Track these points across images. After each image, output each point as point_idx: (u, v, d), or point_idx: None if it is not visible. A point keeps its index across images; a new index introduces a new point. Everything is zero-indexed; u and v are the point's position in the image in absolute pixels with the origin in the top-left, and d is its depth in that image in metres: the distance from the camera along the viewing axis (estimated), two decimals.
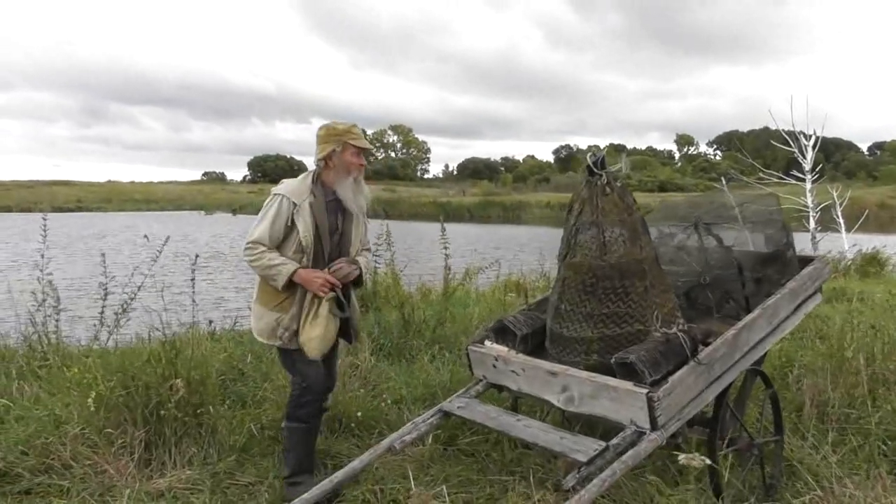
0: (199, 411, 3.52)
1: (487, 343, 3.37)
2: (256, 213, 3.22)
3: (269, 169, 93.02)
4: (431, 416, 3.22)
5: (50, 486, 3.25)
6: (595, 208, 3.03)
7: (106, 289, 4.63)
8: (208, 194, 69.36)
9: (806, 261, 3.68)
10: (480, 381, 3.38)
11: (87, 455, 3.34)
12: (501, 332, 3.38)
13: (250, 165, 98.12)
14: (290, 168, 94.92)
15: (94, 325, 4.49)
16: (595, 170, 3.03)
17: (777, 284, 3.41)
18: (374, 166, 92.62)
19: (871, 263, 12.79)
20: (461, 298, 7.39)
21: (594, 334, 3.00)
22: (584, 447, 2.69)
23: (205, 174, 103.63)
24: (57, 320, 4.52)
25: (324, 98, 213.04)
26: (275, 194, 3.23)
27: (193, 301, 4.29)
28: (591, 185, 3.05)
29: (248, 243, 3.20)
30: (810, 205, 15.12)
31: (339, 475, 2.97)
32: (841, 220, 15.19)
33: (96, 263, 5.10)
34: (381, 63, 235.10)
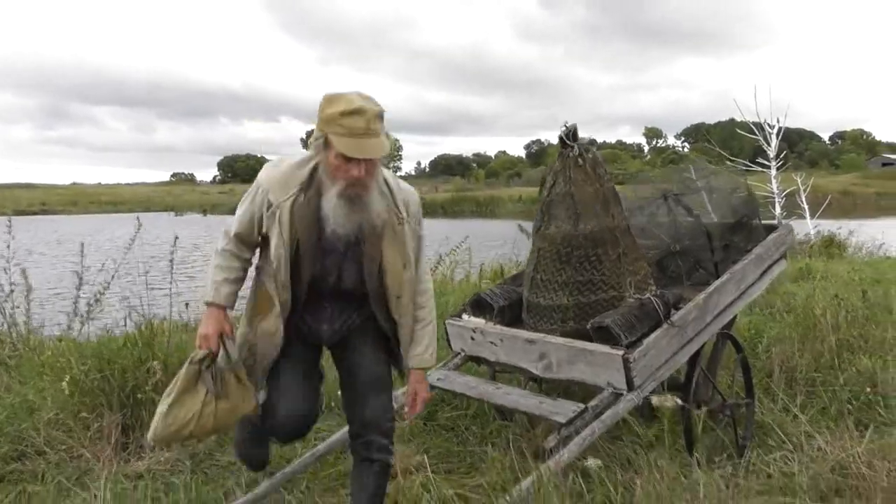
0: None
1: (465, 316, 3.41)
2: (229, 213, 2.62)
3: (240, 169, 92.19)
4: None
5: (23, 472, 3.21)
6: (568, 179, 3.09)
7: (81, 277, 4.56)
8: (178, 195, 68.47)
9: (771, 229, 3.78)
10: (458, 354, 3.41)
11: (61, 440, 3.30)
12: (479, 306, 3.42)
13: (220, 165, 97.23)
14: (261, 168, 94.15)
15: (68, 315, 4.42)
16: (567, 141, 3.10)
17: (744, 252, 3.51)
18: None
19: (832, 245, 13.14)
20: (438, 287, 7.42)
21: (570, 301, 3.06)
22: (563, 410, 2.74)
23: (174, 175, 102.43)
24: (28, 309, 4.45)
25: (292, 96, 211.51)
26: (256, 182, 2.34)
27: (171, 280, 4.24)
28: (564, 157, 3.12)
29: (224, 227, 2.43)
30: (775, 191, 15.51)
31: (321, 447, 2.99)
32: (805, 206, 15.61)
33: (62, 269, 4.98)
34: (350, 60, 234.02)
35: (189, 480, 3.06)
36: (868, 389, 3.77)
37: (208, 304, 2.36)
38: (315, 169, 2.24)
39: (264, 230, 2.30)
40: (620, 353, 2.73)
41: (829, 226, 14.68)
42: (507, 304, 3.36)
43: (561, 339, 2.95)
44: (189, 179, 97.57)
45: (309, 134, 2.93)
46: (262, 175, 2.31)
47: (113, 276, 4.62)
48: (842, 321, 4.71)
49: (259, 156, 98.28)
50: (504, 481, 2.93)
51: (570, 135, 3.10)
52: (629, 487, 2.59)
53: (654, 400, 2.54)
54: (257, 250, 2.41)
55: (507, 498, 2.38)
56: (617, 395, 2.75)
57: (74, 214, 52.14)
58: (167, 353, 3.55)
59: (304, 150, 2.46)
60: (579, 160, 3.09)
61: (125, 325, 3.67)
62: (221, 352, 2.35)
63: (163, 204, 60.94)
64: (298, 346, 2.42)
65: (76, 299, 4.46)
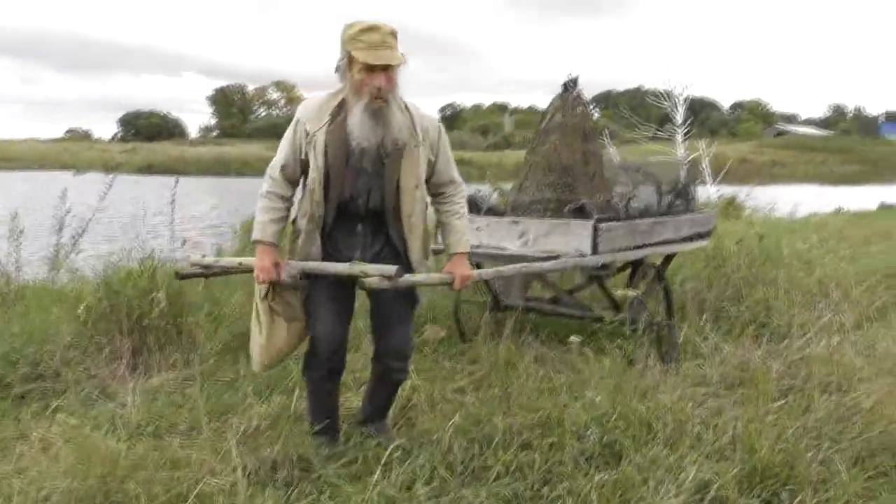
0: (178, 321, 3.87)
1: None
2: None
3: (142, 126, 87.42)
4: None
5: (45, 390, 3.52)
6: (565, 113, 4.10)
7: (62, 221, 4.71)
8: (75, 153, 64.40)
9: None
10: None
11: (79, 360, 3.62)
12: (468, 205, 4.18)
13: (121, 122, 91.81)
14: (166, 126, 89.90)
15: (50, 257, 4.59)
16: (569, 86, 4.17)
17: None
18: (256, 124, 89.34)
19: (730, 207, 14.58)
20: None
21: (552, 196, 3.98)
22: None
23: (69, 131, 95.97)
24: (18, 249, 4.58)
25: (196, 51, 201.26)
26: (295, 117, 2.69)
27: (172, 216, 4.51)
28: (564, 97, 4.18)
29: (268, 171, 2.71)
30: (681, 156, 16.80)
31: None
32: (708, 171, 17.05)
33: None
34: (260, 15, 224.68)
35: (201, 391, 3.46)
36: (762, 314, 4.60)
37: (257, 243, 2.67)
38: (345, 99, 2.57)
39: (304, 156, 2.61)
40: (592, 222, 3.57)
41: (728, 191, 16.19)
42: (492, 206, 4.21)
43: (541, 219, 3.80)
44: (86, 136, 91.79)
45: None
46: (300, 109, 2.69)
47: (89, 220, 4.83)
48: (742, 263, 5.56)
49: (164, 113, 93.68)
50: None
51: (573, 82, 4.18)
52: (599, 361, 3.29)
53: (619, 293, 3.29)
54: (298, 189, 2.72)
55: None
56: (581, 257, 3.55)
57: None
58: (168, 282, 3.89)
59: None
60: (575, 101, 4.14)
61: (126, 261, 3.94)
62: (285, 276, 2.61)
63: (59, 161, 57.21)
64: (333, 279, 2.68)
65: (58, 241, 4.63)
